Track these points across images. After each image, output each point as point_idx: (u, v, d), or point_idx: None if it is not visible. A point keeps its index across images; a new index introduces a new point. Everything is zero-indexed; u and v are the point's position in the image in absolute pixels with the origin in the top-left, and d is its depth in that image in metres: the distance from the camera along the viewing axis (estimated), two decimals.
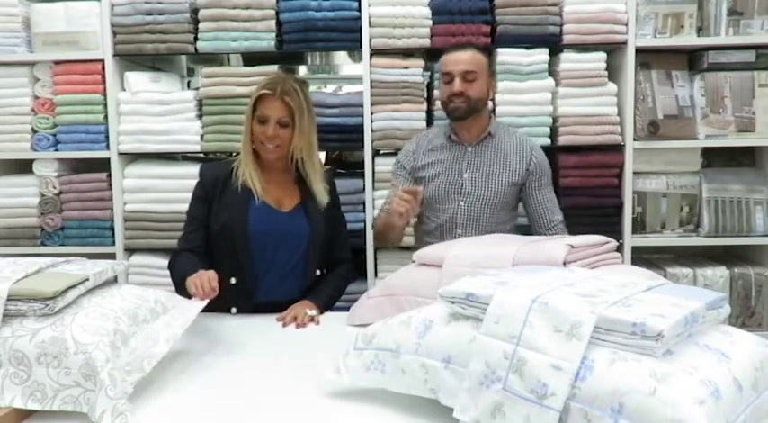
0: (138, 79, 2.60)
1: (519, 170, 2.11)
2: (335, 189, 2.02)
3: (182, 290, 1.72)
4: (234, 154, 2.66)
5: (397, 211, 1.88)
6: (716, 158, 2.64)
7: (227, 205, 1.86)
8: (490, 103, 2.52)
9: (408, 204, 1.87)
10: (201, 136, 2.60)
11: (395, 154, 2.66)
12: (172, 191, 2.56)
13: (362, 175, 2.59)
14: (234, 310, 1.83)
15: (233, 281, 1.84)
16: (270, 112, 1.84)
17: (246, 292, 1.84)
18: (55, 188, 2.62)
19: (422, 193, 1.92)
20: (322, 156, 3.12)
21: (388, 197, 2.17)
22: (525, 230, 2.18)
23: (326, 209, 1.93)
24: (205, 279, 1.59)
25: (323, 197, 1.92)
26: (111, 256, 2.58)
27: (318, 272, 1.94)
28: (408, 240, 2.34)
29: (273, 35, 2.53)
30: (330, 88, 3.75)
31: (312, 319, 1.75)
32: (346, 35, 2.53)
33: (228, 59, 3.01)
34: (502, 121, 2.27)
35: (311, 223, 1.89)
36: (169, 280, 1.91)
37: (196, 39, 2.55)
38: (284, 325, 1.73)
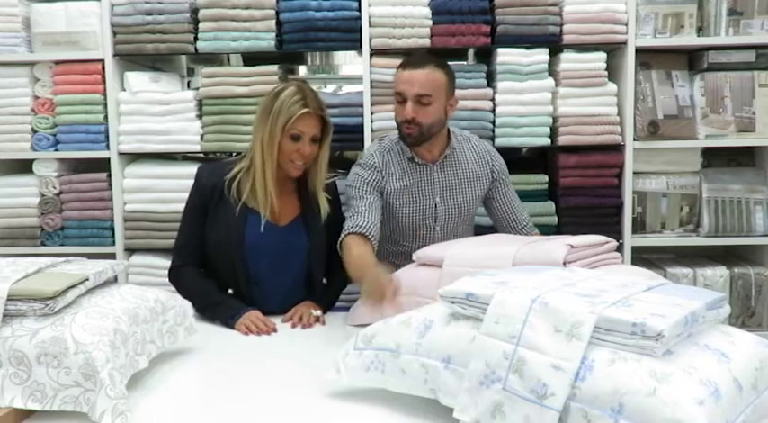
0: (138, 79, 2.60)
1: (484, 179, 2.05)
2: (337, 191, 1.97)
3: (203, 314, 1.76)
4: (234, 154, 2.66)
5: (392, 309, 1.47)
6: (716, 158, 2.64)
7: (225, 215, 1.81)
8: (489, 104, 2.52)
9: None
10: (201, 136, 2.60)
11: None
12: (172, 191, 2.56)
13: None
14: None
15: (230, 292, 1.83)
16: (306, 129, 1.77)
17: (245, 304, 1.78)
18: (55, 188, 2.62)
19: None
20: None
21: (360, 215, 1.83)
22: (481, 231, 2.14)
23: (329, 221, 1.87)
24: (261, 325, 1.66)
25: (324, 208, 1.85)
26: (111, 256, 2.58)
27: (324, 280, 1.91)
28: None
29: (273, 35, 2.53)
30: (330, 88, 3.75)
31: (318, 319, 1.75)
32: (346, 35, 2.52)
33: (228, 59, 3.01)
34: (452, 129, 2.10)
35: (310, 237, 1.84)
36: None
37: (196, 39, 2.55)
38: (293, 326, 1.72)
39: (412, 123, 1.87)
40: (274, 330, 1.67)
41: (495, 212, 2.11)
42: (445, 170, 2.01)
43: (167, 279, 1.91)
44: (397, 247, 2.03)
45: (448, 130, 2.03)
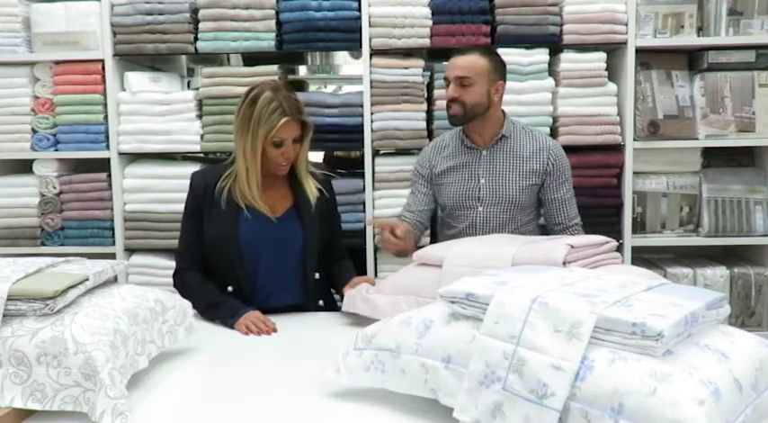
0: (138, 79, 2.60)
1: (537, 171, 2.08)
2: (332, 190, 1.99)
3: (205, 316, 1.77)
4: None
5: (390, 251, 1.97)
6: (716, 158, 2.64)
7: (218, 214, 1.82)
8: None
9: (395, 246, 1.92)
10: (201, 136, 2.60)
11: (395, 154, 2.68)
12: (172, 191, 2.56)
13: (362, 175, 2.59)
14: None
15: (230, 289, 1.83)
16: (287, 135, 1.79)
17: (245, 300, 1.79)
18: (55, 188, 2.62)
19: (401, 228, 1.92)
20: (320, 155, 3.13)
21: (406, 204, 2.23)
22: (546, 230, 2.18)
23: (322, 209, 1.90)
24: (261, 325, 1.66)
25: (312, 193, 1.88)
26: (111, 256, 2.58)
27: (317, 275, 1.91)
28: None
29: (273, 35, 2.53)
30: (330, 88, 3.76)
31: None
32: (346, 35, 2.52)
33: (228, 59, 3.02)
34: (516, 120, 2.24)
35: (304, 227, 1.86)
36: (169, 280, 1.92)
37: (196, 39, 2.55)
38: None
39: (455, 102, 2.02)
40: (274, 330, 1.67)
41: (544, 205, 2.15)
42: (495, 154, 2.10)
43: (168, 280, 1.91)
44: (450, 229, 2.16)
45: (504, 117, 2.12)
